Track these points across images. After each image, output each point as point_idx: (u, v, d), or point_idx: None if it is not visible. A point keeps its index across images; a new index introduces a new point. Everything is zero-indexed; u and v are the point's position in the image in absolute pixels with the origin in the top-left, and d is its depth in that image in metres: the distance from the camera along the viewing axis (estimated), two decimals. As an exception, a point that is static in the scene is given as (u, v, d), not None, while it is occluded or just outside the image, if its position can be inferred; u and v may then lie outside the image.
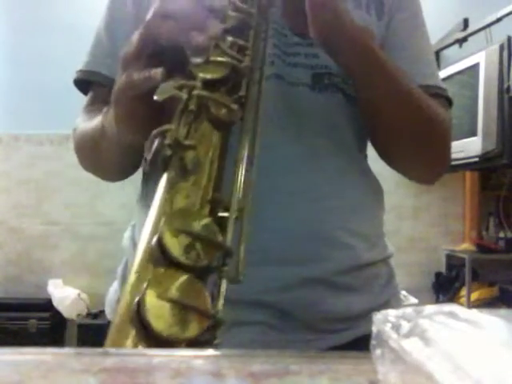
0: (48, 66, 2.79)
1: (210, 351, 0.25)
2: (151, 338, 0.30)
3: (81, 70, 0.71)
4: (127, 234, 0.71)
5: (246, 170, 0.41)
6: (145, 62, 0.45)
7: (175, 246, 0.34)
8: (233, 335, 0.62)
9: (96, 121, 0.61)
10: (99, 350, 0.28)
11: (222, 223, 0.37)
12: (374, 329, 0.23)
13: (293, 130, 0.63)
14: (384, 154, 0.68)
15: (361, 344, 0.61)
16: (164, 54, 0.45)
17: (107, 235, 2.86)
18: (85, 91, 0.73)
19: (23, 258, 2.92)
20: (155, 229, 0.35)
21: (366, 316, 0.64)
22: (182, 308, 0.31)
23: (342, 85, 0.64)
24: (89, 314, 2.71)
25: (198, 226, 0.35)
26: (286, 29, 0.64)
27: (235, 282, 0.36)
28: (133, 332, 0.30)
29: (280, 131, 0.62)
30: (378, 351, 0.22)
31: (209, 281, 0.36)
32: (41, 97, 2.84)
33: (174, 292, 0.32)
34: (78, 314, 2.70)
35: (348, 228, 0.64)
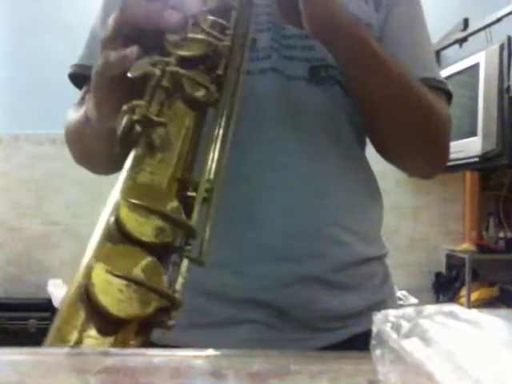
0: (48, 66, 2.79)
1: (210, 351, 0.25)
2: (100, 315, 0.29)
3: (75, 65, 0.71)
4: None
5: (219, 151, 0.40)
6: (122, 43, 0.44)
7: (132, 222, 0.32)
8: (229, 333, 0.62)
9: (81, 110, 0.61)
10: (99, 349, 0.28)
11: (189, 203, 0.36)
12: (374, 329, 0.23)
13: (290, 125, 0.63)
14: (382, 149, 0.68)
15: (357, 342, 0.61)
16: (141, 34, 0.44)
17: (107, 235, 2.85)
18: (80, 86, 0.72)
19: (23, 257, 2.92)
20: (115, 205, 0.33)
21: (361, 314, 0.64)
22: (134, 285, 0.30)
23: (339, 77, 0.63)
24: (89, 314, 2.71)
25: (160, 203, 0.34)
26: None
27: (198, 262, 0.35)
28: (81, 308, 0.29)
29: (277, 126, 0.62)
30: (378, 351, 0.22)
31: (171, 261, 0.34)
32: (41, 97, 2.84)
33: (126, 268, 0.30)
34: (78, 314, 2.69)
35: (344, 225, 0.64)
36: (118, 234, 0.32)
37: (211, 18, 0.45)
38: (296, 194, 0.62)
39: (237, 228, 0.61)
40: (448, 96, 0.70)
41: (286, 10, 0.54)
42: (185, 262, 0.34)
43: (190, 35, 0.42)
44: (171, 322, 0.31)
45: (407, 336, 0.21)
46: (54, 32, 2.87)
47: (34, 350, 0.25)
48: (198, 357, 0.24)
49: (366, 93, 0.60)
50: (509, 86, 2.24)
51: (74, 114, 0.66)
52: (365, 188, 0.69)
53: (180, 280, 0.33)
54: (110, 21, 0.45)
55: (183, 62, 0.41)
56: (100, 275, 0.30)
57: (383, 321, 0.23)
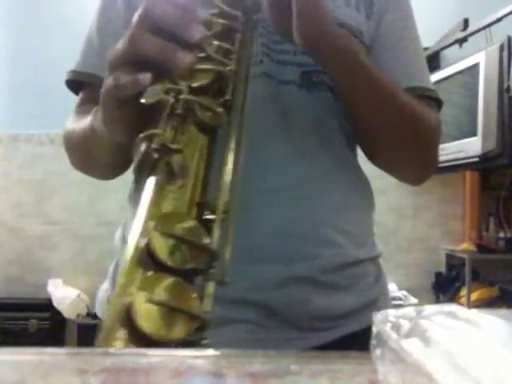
0: (48, 66, 2.79)
1: (210, 351, 0.25)
2: (141, 340, 0.31)
3: (72, 71, 0.72)
4: (118, 234, 0.72)
5: (232, 173, 0.42)
6: (132, 66, 0.45)
7: (163, 250, 0.34)
8: (220, 333, 0.62)
9: (86, 121, 0.62)
10: (99, 349, 0.28)
11: (208, 225, 0.38)
12: (374, 329, 0.23)
13: (281, 129, 0.64)
14: (369, 154, 0.69)
15: (350, 341, 0.62)
16: (150, 61, 0.45)
17: (107, 235, 2.84)
18: (77, 91, 0.73)
19: (23, 258, 2.92)
20: (143, 232, 0.35)
21: (353, 313, 0.65)
22: (171, 310, 0.32)
23: (330, 82, 0.64)
24: (89, 314, 2.71)
25: (184, 229, 0.36)
26: None
27: (222, 283, 0.37)
28: (123, 334, 0.31)
29: (268, 130, 0.63)
30: (378, 351, 0.22)
31: (196, 282, 0.36)
32: (41, 97, 2.84)
33: (162, 294, 0.33)
34: (78, 314, 2.70)
35: (336, 226, 0.65)
36: (150, 262, 0.34)
37: (216, 42, 0.47)
38: (287, 197, 0.63)
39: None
40: (438, 103, 0.71)
41: (277, 22, 0.56)
42: (211, 284, 0.37)
43: (198, 66, 0.44)
44: (205, 342, 0.34)
45: (407, 336, 0.21)
46: (54, 32, 2.87)
47: (34, 350, 0.25)
48: (198, 357, 0.24)
49: (352, 100, 0.62)
50: (509, 86, 2.24)
51: (75, 123, 0.67)
52: (356, 190, 0.69)
53: (208, 301, 0.36)
54: (119, 45, 0.46)
55: (194, 89, 0.43)
56: (141, 302, 0.32)
57: (383, 321, 0.23)
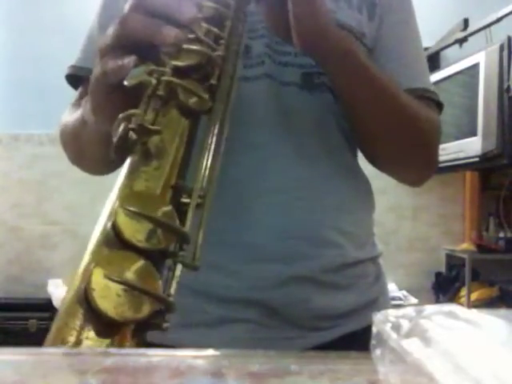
0: (48, 66, 2.78)
1: (210, 351, 0.25)
2: (98, 317, 0.30)
3: (72, 66, 0.72)
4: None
5: (212, 158, 0.41)
6: (120, 52, 0.45)
7: (129, 229, 0.33)
8: (221, 333, 0.63)
9: (78, 113, 0.62)
10: (99, 349, 0.28)
11: (183, 209, 0.37)
12: (374, 329, 0.23)
13: (283, 130, 0.64)
14: (368, 155, 0.69)
15: (350, 340, 0.62)
16: (139, 44, 0.45)
17: (107, 235, 2.85)
18: (76, 87, 0.74)
19: (23, 257, 2.92)
20: (112, 212, 0.35)
21: (353, 313, 0.65)
22: (131, 289, 0.31)
23: (331, 84, 0.64)
24: (89, 314, 2.71)
25: (155, 210, 0.35)
26: None
27: (191, 267, 0.36)
28: (80, 311, 0.30)
29: (270, 130, 0.63)
30: (378, 351, 0.22)
31: (165, 265, 0.36)
32: (41, 97, 2.84)
33: (123, 273, 0.32)
34: (78, 314, 2.70)
35: (336, 227, 0.65)
36: (115, 240, 0.33)
37: (206, 26, 0.46)
38: (288, 197, 0.63)
39: (229, 230, 0.62)
40: (438, 104, 0.72)
41: (276, 25, 0.56)
42: (179, 267, 0.36)
43: (185, 46, 0.43)
44: (166, 324, 0.33)
45: (407, 336, 0.21)
46: (54, 32, 2.87)
47: (34, 350, 0.25)
48: (198, 357, 0.24)
49: (352, 101, 0.62)
50: (509, 86, 2.24)
51: (69, 116, 0.67)
52: (356, 190, 0.70)
53: (174, 284, 0.35)
54: (109, 31, 0.46)
55: (178, 71, 0.42)
56: (99, 280, 0.31)
57: (383, 321, 0.23)
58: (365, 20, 0.68)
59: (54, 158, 2.87)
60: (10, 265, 2.92)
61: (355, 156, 0.71)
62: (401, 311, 0.23)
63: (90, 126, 0.56)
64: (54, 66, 2.77)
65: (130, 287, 0.31)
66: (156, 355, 0.24)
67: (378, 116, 0.62)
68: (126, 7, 0.46)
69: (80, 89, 0.72)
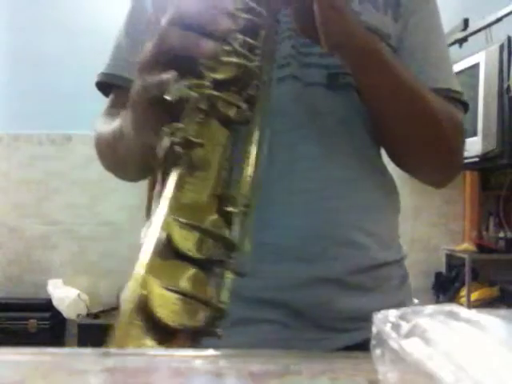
0: (48, 66, 2.79)
1: (210, 351, 0.25)
2: (156, 326, 0.31)
3: (102, 73, 0.74)
4: (144, 231, 0.72)
5: (254, 167, 0.42)
6: (160, 66, 0.46)
7: (182, 240, 0.35)
8: (246, 333, 0.62)
9: (116, 123, 0.63)
10: (99, 350, 0.28)
11: (228, 218, 0.39)
12: (374, 329, 0.23)
13: (310, 130, 0.64)
14: (392, 155, 0.69)
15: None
16: (178, 59, 0.46)
17: (107, 235, 2.86)
18: (107, 94, 0.75)
19: (23, 258, 2.92)
20: (164, 223, 0.36)
21: None
22: (186, 298, 0.32)
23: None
24: (89, 314, 2.71)
25: (204, 220, 0.37)
26: None
27: (240, 275, 0.38)
28: (138, 321, 0.31)
29: (295, 130, 0.63)
30: (378, 351, 0.22)
31: (215, 273, 0.37)
32: (41, 97, 2.84)
33: (177, 282, 0.33)
34: (78, 314, 2.70)
35: (363, 228, 0.65)
36: (167, 250, 0.35)
37: (241, 36, 0.47)
38: (314, 197, 0.63)
39: (255, 230, 0.62)
40: (464, 105, 0.72)
41: (303, 26, 0.56)
42: (228, 274, 0.37)
43: (223, 58, 0.45)
44: (220, 331, 0.34)
45: (407, 336, 0.21)
46: (54, 32, 2.87)
47: (34, 350, 0.25)
48: (198, 357, 0.24)
49: (378, 101, 0.62)
50: (509, 86, 2.24)
51: (105, 126, 0.68)
52: (382, 191, 0.69)
53: (225, 291, 0.36)
54: (149, 45, 0.47)
55: (217, 83, 0.44)
56: (155, 289, 0.32)
57: (383, 321, 0.23)
58: (390, 21, 0.68)
59: (53, 158, 2.88)
60: (10, 265, 2.92)
61: (380, 156, 0.71)
62: (401, 311, 0.23)
63: (129, 138, 0.57)
64: (54, 66, 2.78)
65: (185, 296, 0.33)
66: (156, 355, 0.24)
67: (404, 114, 0.62)
68: (164, 22, 0.47)
69: (111, 96, 0.74)
